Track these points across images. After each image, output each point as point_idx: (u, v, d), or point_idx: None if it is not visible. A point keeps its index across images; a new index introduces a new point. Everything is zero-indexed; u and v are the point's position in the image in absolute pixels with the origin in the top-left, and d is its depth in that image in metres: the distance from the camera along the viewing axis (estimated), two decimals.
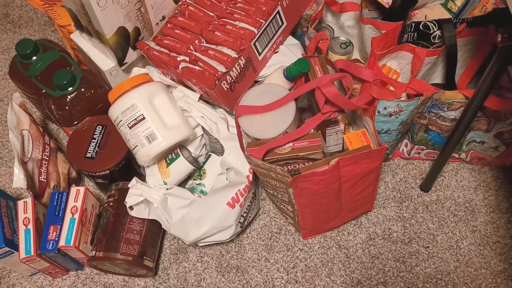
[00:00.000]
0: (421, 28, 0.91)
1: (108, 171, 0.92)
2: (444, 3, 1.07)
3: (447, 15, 1.05)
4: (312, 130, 0.85)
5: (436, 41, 0.91)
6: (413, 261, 0.94)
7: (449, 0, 1.05)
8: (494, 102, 0.80)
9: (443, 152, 0.91)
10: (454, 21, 0.89)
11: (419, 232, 0.96)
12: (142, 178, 0.96)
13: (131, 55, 0.99)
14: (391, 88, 0.86)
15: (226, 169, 0.88)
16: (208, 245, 0.97)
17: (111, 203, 0.92)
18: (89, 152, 0.92)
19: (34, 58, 0.97)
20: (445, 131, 0.91)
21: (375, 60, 0.87)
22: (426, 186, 1.00)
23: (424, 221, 0.98)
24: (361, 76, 0.85)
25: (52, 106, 0.95)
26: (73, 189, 0.90)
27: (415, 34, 0.92)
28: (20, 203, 0.88)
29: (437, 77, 0.99)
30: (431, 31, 0.90)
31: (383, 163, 1.05)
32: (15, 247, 0.85)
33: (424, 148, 0.99)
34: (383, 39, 0.91)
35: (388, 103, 0.83)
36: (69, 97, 0.94)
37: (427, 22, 0.90)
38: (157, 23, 0.99)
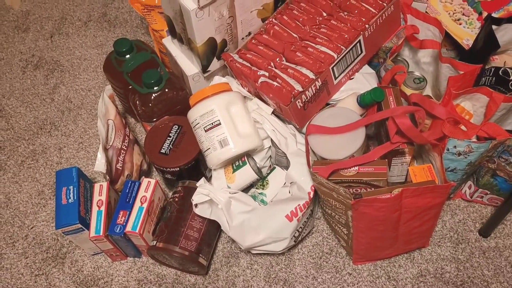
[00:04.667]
0: (500, 74, 0.91)
1: (178, 168, 0.98)
2: None
3: None
4: (378, 158, 0.87)
5: None
6: None
7: None
8: None
9: (508, 200, 0.89)
10: None
11: (472, 277, 0.95)
12: (207, 180, 1.01)
13: (215, 64, 1.06)
14: (463, 128, 0.87)
15: (290, 183, 0.92)
16: (260, 253, 1.00)
17: (176, 199, 0.98)
18: (163, 148, 0.99)
19: (128, 56, 1.06)
20: None
21: (450, 98, 0.89)
22: (485, 231, 0.99)
23: (480, 266, 0.96)
24: (434, 112, 0.87)
25: (137, 102, 1.03)
26: (145, 180, 0.96)
27: (493, 78, 0.92)
28: (97, 186, 0.96)
29: (510, 124, 0.98)
30: (511, 78, 0.91)
31: None
32: (87, 226, 0.92)
33: (488, 192, 0.98)
34: (460, 79, 0.92)
35: (459, 142, 0.84)
36: (153, 95, 1.02)
37: (507, 69, 0.91)
38: (242, 38, 1.05)
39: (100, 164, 0.92)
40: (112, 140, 1.00)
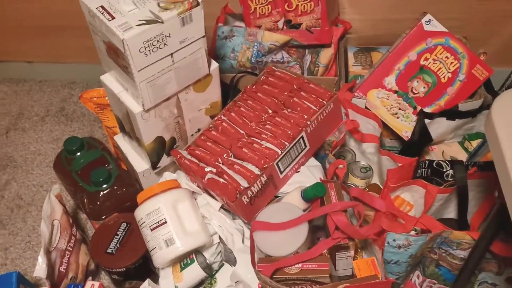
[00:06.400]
0: (435, 166, 0.96)
1: (124, 269, 0.96)
2: (461, 141, 1.13)
3: (463, 153, 1.11)
4: (325, 252, 0.88)
5: (449, 179, 0.95)
6: None
7: (466, 140, 1.12)
8: (500, 248, 0.82)
9: None
10: (466, 163, 0.94)
11: None
12: (157, 278, 0.99)
13: (165, 160, 1.08)
14: (401, 221, 0.90)
15: (236, 282, 0.90)
16: None
17: None
18: (110, 248, 0.98)
19: (78, 154, 1.08)
20: (455, 268, 0.92)
21: (388, 191, 0.92)
22: None
23: None
24: (373, 205, 0.90)
25: (85, 200, 1.03)
26: (89, 283, 0.94)
27: (429, 170, 0.97)
28: None
29: (451, 212, 1.02)
30: (444, 170, 0.95)
31: None
32: None
33: (436, 282, 0.99)
34: (398, 172, 0.96)
35: (397, 236, 0.86)
36: (102, 193, 1.02)
37: (441, 161, 0.96)
38: (192, 134, 1.09)
39: (40, 269, 0.89)
40: (57, 241, 0.98)
